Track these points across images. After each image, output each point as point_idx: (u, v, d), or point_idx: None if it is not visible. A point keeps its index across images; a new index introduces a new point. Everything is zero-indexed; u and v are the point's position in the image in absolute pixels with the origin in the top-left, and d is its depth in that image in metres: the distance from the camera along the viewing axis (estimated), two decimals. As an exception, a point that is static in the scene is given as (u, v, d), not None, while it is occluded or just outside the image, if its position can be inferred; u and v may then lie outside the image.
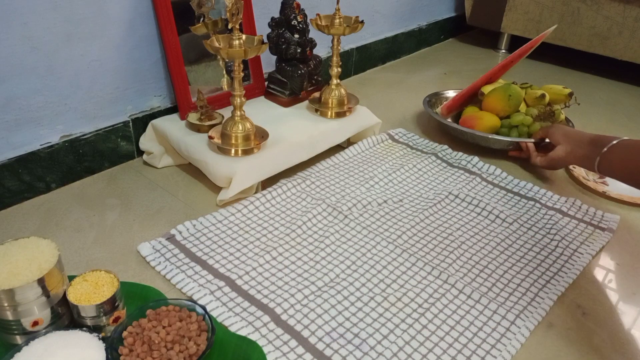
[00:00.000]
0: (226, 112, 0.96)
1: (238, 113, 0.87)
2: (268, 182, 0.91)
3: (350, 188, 0.93)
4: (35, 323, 0.56)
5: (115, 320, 0.59)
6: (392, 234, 0.82)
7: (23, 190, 0.85)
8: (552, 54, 1.68)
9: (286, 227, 0.82)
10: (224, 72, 0.82)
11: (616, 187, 0.98)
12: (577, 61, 1.64)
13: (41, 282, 0.55)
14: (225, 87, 0.81)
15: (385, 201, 0.89)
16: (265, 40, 0.91)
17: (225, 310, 0.66)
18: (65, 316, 0.59)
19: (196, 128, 0.93)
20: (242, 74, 0.83)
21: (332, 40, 0.99)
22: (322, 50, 1.30)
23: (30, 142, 0.85)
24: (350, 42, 1.41)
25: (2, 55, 0.77)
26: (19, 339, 0.57)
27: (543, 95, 1.07)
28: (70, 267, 0.71)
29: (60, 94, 0.86)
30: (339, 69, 1.01)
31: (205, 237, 0.78)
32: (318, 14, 0.98)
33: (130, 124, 0.96)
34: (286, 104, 1.05)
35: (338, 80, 1.02)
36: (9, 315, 0.55)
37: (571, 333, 0.66)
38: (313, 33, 1.02)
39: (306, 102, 1.07)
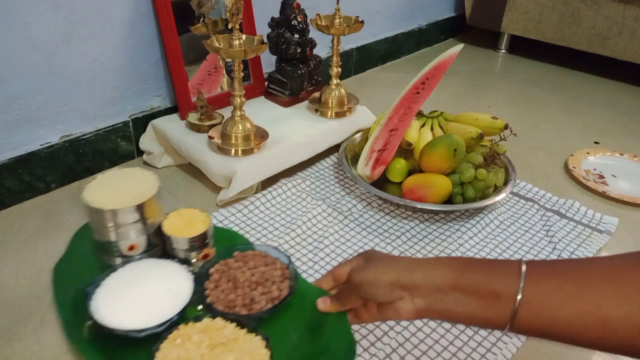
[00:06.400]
0: (226, 112, 0.96)
1: (238, 113, 0.87)
2: (268, 182, 0.91)
3: (350, 188, 0.93)
4: (132, 247, 0.59)
5: (205, 257, 0.61)
6: (392, 234, 0.82)
7: (23, 190, 0.85)
8: (552, 54, 1.68)
9: (286, 227, 0.82)
10: (224, 72, 0.82)
11: (616, 187, 0.98)
12: (577, 61, 1.64)
13: (140, 207, 0.58)
14: (225, 87, 0.81)
15: (384, 201, 0.89)
16: (265, 40, 0.91)
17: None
18: (159, 247, 0.62)
19: (196, 128, 0.93)
20: (242, 74, 0.83)
21: (332, 40, 0.99)
22: (322, 50, 1.30)
23: (30, 142, 0.85)
24: (350, 42, 1.42)
25: (2, 55, 0.78)
26: (117, 262, 0.60)
27: (481, 136, 0.91)
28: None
29: (60, 94, 0.86)
30: (339, 69, 1.01)
31: (205, 237, 0.79)
32: (318, 14, 0.98)
33: (130, 124, 0.97)
34: (286, 104, 1.05)
35: (338, 80, 1.02)
36: (111, 237, 0.58)
37: (570, 334, 0.66)
38: (313, 33, 1.02)
39: (306, 102, 1.07)
